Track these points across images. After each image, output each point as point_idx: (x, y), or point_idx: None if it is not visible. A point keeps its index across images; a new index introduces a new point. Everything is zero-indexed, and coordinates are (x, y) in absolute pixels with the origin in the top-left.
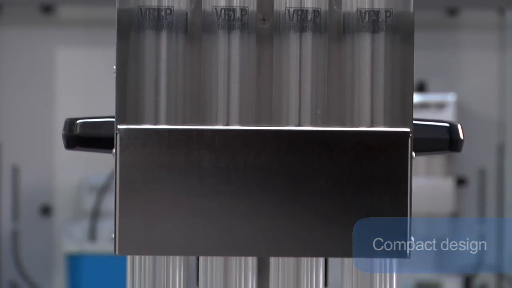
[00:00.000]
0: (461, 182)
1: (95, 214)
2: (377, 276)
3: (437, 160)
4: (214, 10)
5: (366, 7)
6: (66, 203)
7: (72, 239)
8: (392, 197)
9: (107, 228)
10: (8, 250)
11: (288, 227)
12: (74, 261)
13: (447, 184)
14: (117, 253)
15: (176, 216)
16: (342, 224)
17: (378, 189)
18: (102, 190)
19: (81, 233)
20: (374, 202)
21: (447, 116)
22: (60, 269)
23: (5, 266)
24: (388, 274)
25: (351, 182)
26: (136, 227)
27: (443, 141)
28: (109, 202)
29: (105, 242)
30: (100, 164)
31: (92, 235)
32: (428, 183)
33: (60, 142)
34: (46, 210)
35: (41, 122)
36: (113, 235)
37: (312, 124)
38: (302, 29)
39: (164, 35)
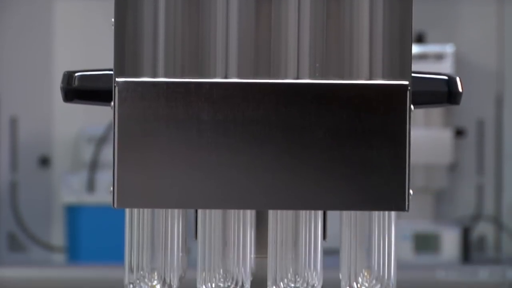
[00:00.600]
0: (459, 133)
1: (94, 165)
2: (375, 228)
3: (436, 111)
4: None
5: None
6: (65, 154)
7: (71, 190)
8: (390, 150)
9: (105, 179)
10: (7, 201)
11: (287, 180)
12: (73, 212)
13: (446, 135)
14: (115, 206)
15: (174, 169)
16: (341, 177)
17: (377, 142)
18: (100, 141)
19: (80, 184)
20: (373, 155)
21: (445, 67)
22: (59, 220)
23: (4, 217)
24: (386, 227)
25: (349, 135)
26: (134, 180)
27: (442, 94)
28: (108, 153)
29: (104, 193)
30: (99, 115)
31: (91, 186)
32: (426, 134)
33: (58, 93)
34: (44, 161)
35: (40, 73)
36: (111, 188)
37: (310, 77)
38: None
39: None
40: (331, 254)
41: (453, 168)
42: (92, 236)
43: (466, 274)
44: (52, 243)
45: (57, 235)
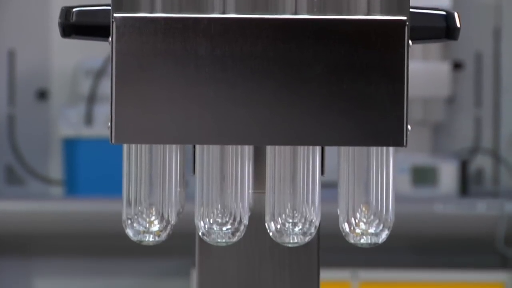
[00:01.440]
0: (457, 66)
1: (92, 98)
2: (373, 163)
3: (434, 44)
4: None
5: None
6: (63, 87)
7: (69, 124)
8: (388, 86)
9: (103, 112)
10: (4, 135)
11: (285, 116)
12: (71, 145)
13: (444, 68)
14: (113, 141)
15: (172, 104)
16: (339, 112)
17: (375, 78)
18: (98, 74)
19: (78, 118)
20: (371, 90)
21: (443, 0)
22: (57, 154)
23: (2, 150)
24: (384, 162)
25: (347, 70)
26: (132, 116)
27: (440, 29)
28: (106, 86)
29: (102, 126)
30: (97, 48)
31: (89, 119)
32: (424, 67)
33: (56, 26)
34: (42, 95)
35: (38, 6)
36: (109, 124)
37: (308, 13)
38: None
39: None
40: (329, 187)
41: (451, 101)
42: (90, 169)
43: (464, 207)
44: (50, 176)
45: (55, 168)
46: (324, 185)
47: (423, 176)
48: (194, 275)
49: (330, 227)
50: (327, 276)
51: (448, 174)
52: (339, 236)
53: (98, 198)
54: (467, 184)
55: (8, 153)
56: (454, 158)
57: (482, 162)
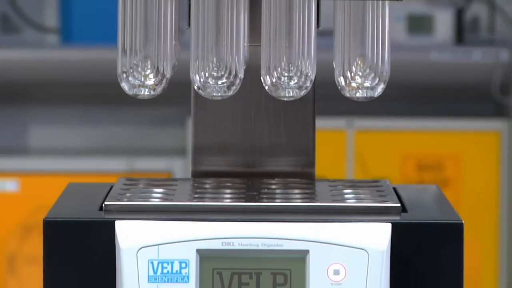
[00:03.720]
0: None
1: None
2: (369, 15)
3: None
4: None
5: None
6: None
7: None
8: None
9: None
10: None
11: None
12: None
13: None
14: None
15: None
16: None
17: None
18: None
19: None
20: None
21: None
22: (52, 1)
23: None
24: (380, 13)
25: None
26: None
27: None
28: None
29: None
30: None
31: None
32: None
33: None
34: None
35: None
36: None
37: None
38: None
39: None
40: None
41: None
42: (86, 17)
43: (459, 55)
44: (45, 25)
45: (51, 16)
46: (320, 33)
47: (418, 24)
48: (190, 123)
49: (325, 76)
50: (322, 124)
51: (443, 22)
52: (335, 85)
53: (94, 46)
54: (463, 32)
55: (3, 1)
56: (450, 5)
57: (478, 10)
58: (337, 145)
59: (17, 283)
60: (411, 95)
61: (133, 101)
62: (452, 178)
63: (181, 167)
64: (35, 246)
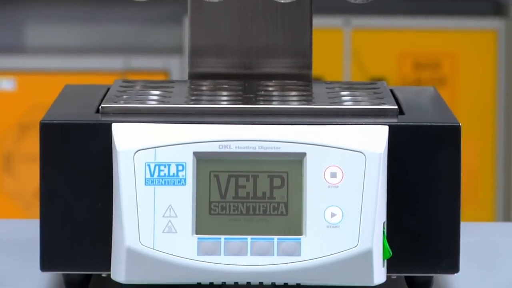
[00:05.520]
0: None
1: None
2: None
3: None
4: None
5: None
6: None
7: None
8: None
9: None
10: None
11: None
12: None
13: None
14: None
15: None
16: None
17: None
18: None
19: None
20: None
21: None
22: None
23: None
24: None
25: None
26: None
27: None
28: None
29: None
30: None
31: None
32: None
33: None
34: None
35: None
36: None
37: None
38: None
39: None
40: None
41: None
42: None
43: None
44: None
45: None
46: None
47: None
48: (186, 22)
49: None
50: (319, 23)
51: None
52: None
53: None
54: None
55: None
56: None
57: None
58: (334, 44)
59: (13, 182)
60: None
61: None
62: (449, 76)
63: (177, 66)
64: (32, 145)
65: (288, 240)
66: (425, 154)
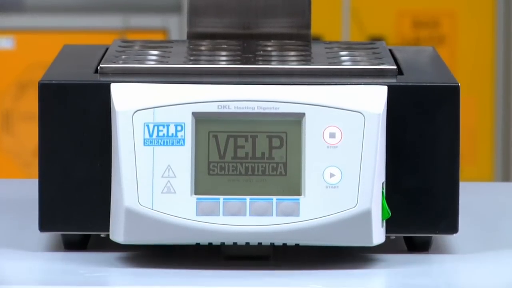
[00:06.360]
0: None
1: None
2: None
3: None
4: None
5: None
6: None
7: None
8: None
9: None
10: None
11: None
12: None
13: None
14: None
15: None
16: None
17: None
18: None
19: None
20: None
21: None
22: None
23: None
24: None
25: None
26: None
27: None
28: None
29: None
30: None
31: None
32: None
33: None
34: None
35: None
36: None
37: None
38: None
39: None
40: None
41: None
42: None
43: None
44: None
45: None
46: None
47: None
48: None
49: None
50: None
51: None
52: None
53: None
54: None
55: None
56: None
57: None
58: (332, 3)
59: (12, 140)
60: None
61: None
62: (448, 35)
63: (176, 25)
64: (31, 103)
65: (287, 201)
66: (424, 114)
